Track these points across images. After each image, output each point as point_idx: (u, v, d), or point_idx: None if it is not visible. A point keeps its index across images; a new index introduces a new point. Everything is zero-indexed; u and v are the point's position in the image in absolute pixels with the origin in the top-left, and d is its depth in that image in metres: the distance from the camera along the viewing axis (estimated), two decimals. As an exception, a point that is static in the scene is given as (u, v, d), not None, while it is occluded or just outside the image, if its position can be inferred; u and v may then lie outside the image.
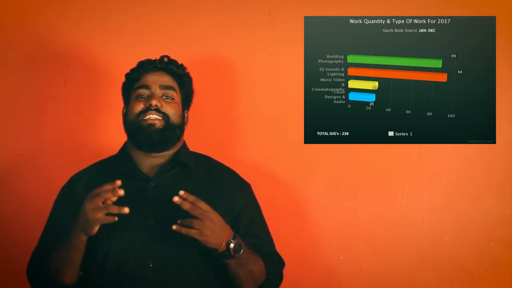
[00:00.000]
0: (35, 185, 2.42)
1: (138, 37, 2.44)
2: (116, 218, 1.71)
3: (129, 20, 2.46)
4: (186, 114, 2.02)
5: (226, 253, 1.77)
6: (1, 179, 2.44)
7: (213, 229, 1.75)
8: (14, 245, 2.39)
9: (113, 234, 1.81)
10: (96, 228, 1.72)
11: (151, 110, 1.89)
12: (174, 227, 1.72)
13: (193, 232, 1.73)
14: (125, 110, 1.99)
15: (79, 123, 2.45)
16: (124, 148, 1.99)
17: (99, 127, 2.45)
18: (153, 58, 2.00)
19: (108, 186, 1.72)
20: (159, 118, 1.89)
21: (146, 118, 1.89)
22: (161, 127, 1.89)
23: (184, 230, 1.73)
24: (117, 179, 1.88)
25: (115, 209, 1.70)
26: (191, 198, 1.75)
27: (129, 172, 1.91)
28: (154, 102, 1.89)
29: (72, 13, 2.47)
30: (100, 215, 1.70)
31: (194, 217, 1.74)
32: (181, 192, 1.74)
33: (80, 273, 1.84)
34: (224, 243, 1.76)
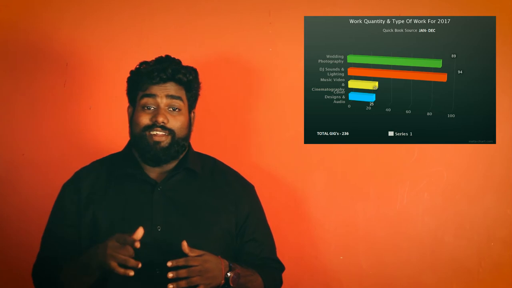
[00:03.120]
0: (35, 185, 2.41)
1: (138, 38, 2.44)
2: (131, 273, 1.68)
3: (129, 21, 2.45)
4: (192, 115, 1.99)
5: (226, 285, 1.77)
6: (1, 179, 2.44)
7: (213, 272, 1.74)
8: (14, 245, 2.40)
9: None
10: (114, 268, 1.68)
11: (157, 126, 1.87)
12: (170, 286, 1.68)
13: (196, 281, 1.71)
14: (130, 110, 1.95)
15: (79, 123, 2.45)
16: (129, 148, 1.97)
17: (99, 127, 2.44)
18: (159, 56, 1.93)
19: (130, 238, 1.68)
20: (165, 134, 1.88)
21: (152, 133, 1.87)
22: (167, 145, 1.87)
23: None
24: (124, 180, 1.88)
25: (132, 263, 1.66)
26: (181, 261, 1.71)
27: (135, 175, 1.90)
28: (160, 119, 1.86)
29: (72, 13, 2.46)
30: (115, 263, 1.67)
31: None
32: (169, 264, 1.70)
33: None
34: (223, 280, 1.76)
